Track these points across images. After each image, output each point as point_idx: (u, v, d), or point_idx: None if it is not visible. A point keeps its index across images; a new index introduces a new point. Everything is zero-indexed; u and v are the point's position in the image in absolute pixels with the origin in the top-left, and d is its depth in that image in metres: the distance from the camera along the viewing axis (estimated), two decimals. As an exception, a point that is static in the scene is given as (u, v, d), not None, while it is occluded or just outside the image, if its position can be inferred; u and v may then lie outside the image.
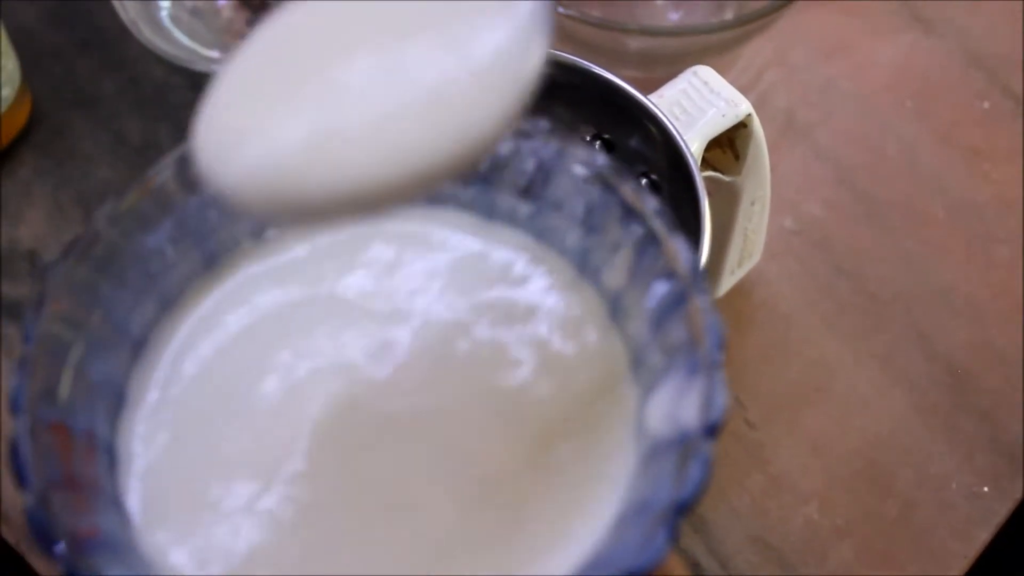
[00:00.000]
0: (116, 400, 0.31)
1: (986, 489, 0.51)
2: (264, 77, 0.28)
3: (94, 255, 0.31)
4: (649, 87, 0.46)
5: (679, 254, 0.30)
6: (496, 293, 0.34)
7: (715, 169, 0.49)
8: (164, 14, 0.61)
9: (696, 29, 0.59)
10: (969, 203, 0.59)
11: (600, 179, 0.32)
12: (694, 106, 0.46)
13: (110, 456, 0.31)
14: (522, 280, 0.34)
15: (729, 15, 0.64)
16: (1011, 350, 0.55)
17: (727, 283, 0.54)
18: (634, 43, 0.59)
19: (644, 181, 0.47)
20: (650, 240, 0.31)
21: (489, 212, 0.34)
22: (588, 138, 0.48)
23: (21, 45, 0.60)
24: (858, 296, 0.56)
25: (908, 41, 0.65)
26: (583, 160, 0.32)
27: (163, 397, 0.32)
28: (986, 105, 0.63)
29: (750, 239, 0.53)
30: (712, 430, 0.27)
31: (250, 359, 0.32)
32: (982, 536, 0.50)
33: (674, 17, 0.65)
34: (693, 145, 0.45)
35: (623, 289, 0.32)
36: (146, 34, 0.59)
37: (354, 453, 0.31)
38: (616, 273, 0.32)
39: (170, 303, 0.33)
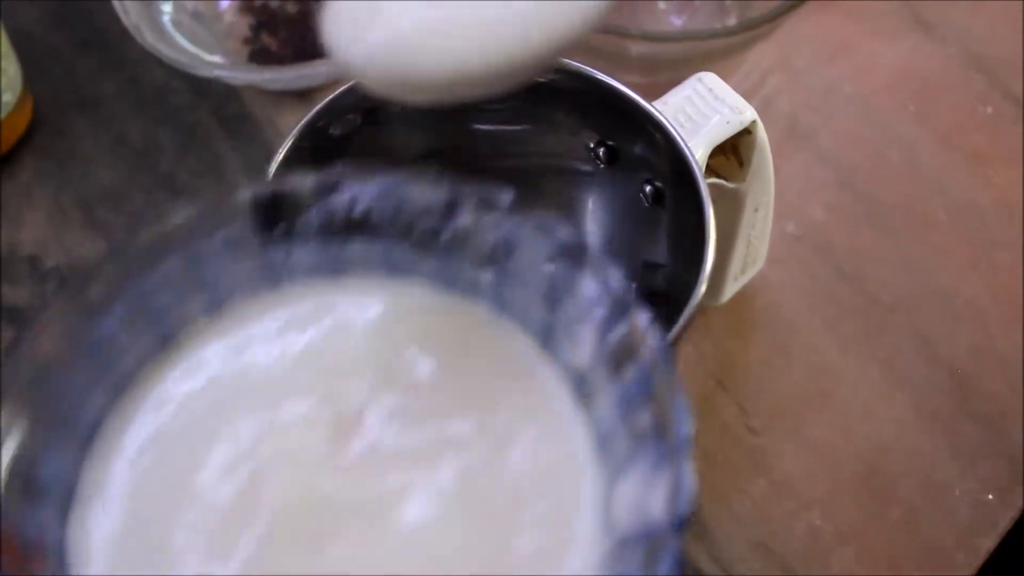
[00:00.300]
0: (66, 495, 0.30)
1: (990, 497, 0.51)
2: None
3: (41, 351, 0.29)
4: (651, 92, 0.46)
5: (646, 332, 0.29)
6: (454, 369, 0.33)
7: (719, 176, 0.49)
8: (166, 18, 0.61)
9: (699, 34, 0.59)
10: (970, 207, 0.59)
11: (564, 253, 0.31)
12: (698, 113, 0.46)
13: (60, 557, 0.29)
14: (481, 355, 0.33)
15: (732, 20, 0.64)
16: (1013, 354, 0.55)
17: (731, 290, 0.54)
18: (637, 48, 0.59)
19: (649, 188, 0.47)
20: (615, 317, 0.30)
21: (450, 283, 0.33)
22: (592, 144, 0.48)
23: (22, 47, 0.60)
24: (860, 301, 0.56)
25: (910, 44, 0.65)
26: (546, 233, 0.31)
27: (115, 488, 0.30)
28: (987, 109, 0.63)
29: (753, 245, 0.53)
30: (680, 524, 0.26)
31: (204, 444, 0.31)
32: (986, 544, 0.50)
33: (677, 22, 0.65)
34: (697, 152, 0.44)
35: (588, 368, 0.31)
36: (148, 38, 0.58)
37: (311, 542, 0.30)
38: (580, 351, 0.31)
39: (122, 388, 0.32)
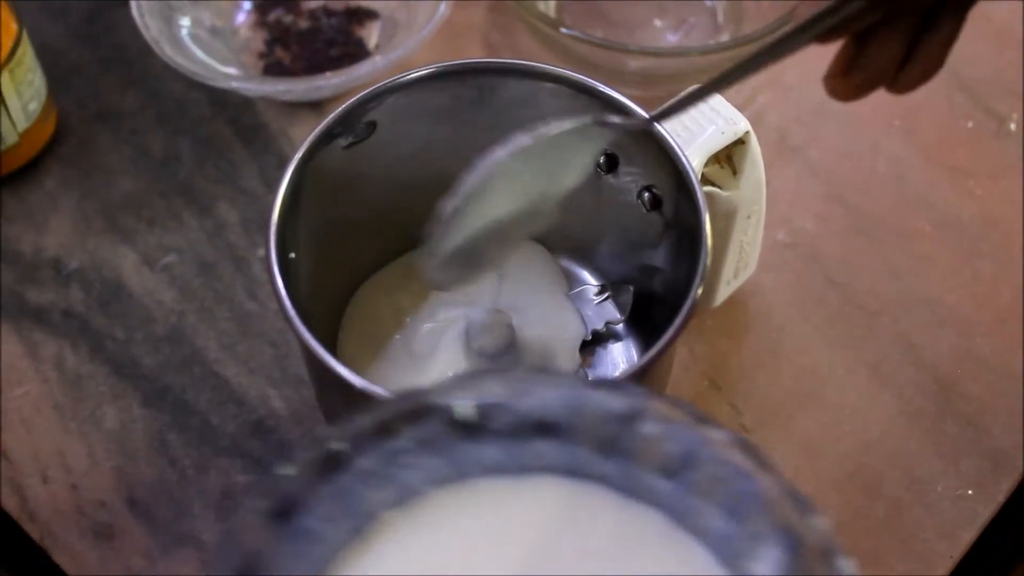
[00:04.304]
0: None
1: (970, 492, 0.53)
2: None
3: (247, 542, 0.31)
4: (649, 104, 0.48)
5: (828, 555, 0.29)
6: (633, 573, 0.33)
7: (714, 184, 0.51)
8: (184, 33, 0.63)
9: (694, 50, 0.61)
10: (954, 218, 0.61)
11: (745, 466, 0.31)
12: (695, 123, 0.48)
13: None
14: (655, 565, 0.33)
15: (725, 37, 0.67)
16: (994, 359, 0.57)
17: (723, 293, 0.56)
18: (634, 63, 0.61)
19: (647, 195, 0.49)
20: (796, 540, 0.30)
21: (629, 489, 0.34)
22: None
23: (47, 62, 0.63)
24: (848, 306, 0.58)
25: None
26: (728, 446, 0.32)
27: None
28: (970, 124, 0.65)
29: (745, 251, 0.55)
30: None
31: None
32: (966, 537, 0.52)
33: (672, 39, 0.67)
34: (694, 160, 0.46)
35: None
36: (167, 52, 0.61)
37: None
38: (760, 565, 0.31)
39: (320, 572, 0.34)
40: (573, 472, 0.34)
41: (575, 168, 0.44)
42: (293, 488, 0.32)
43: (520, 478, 0.35)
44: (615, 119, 0.44)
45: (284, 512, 0.32)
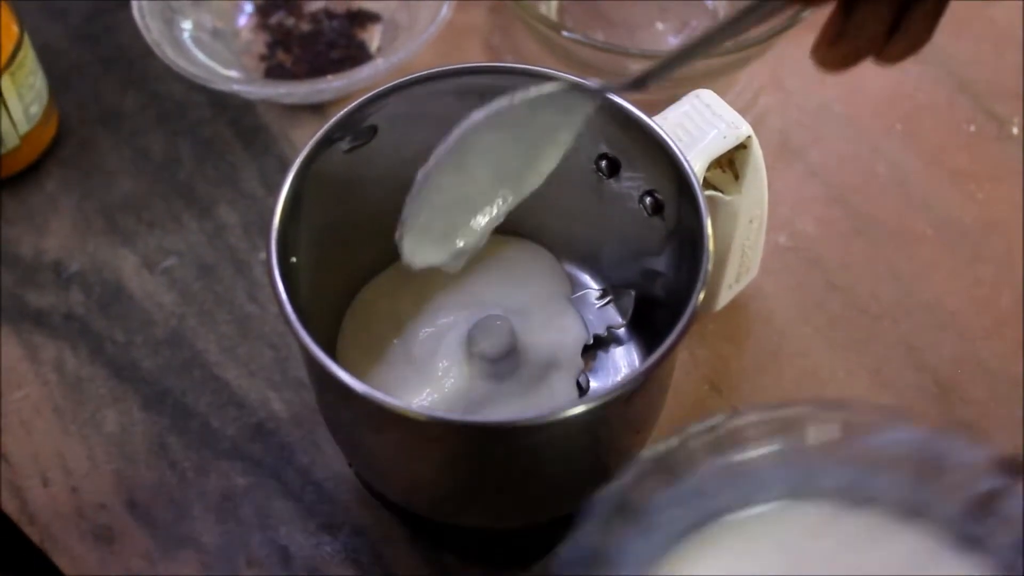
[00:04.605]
0: None
1: (971, 496, 0.53)
2: None
3: (591, 540, 0.34)
4: (650, 108, 0.48)
5: None
6: None
7: (716, 188, 0.51)
8: (186, 35, 0.64)
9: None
10: (955, 222, 0.61)
11: None
12: (696, 128, 0.48)
13: None
14: None
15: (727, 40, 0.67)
16: (995, 363, 0.57)
17: (725, 297, 0.56)
18: (635, 66, 0.61)
19: (649, 199, 0.49)
20: None
21: (964, 537, 0.35)
22: (595, 156, 0.50)
23: (48, 64, 0.63)
24: (849, 310, 0.58)
25: (897, 67, 0.66)
26: None
27: None
28: (972, 128, 0.65)
29: (747, 255, 0.55)
30: None
31: None
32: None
33: (673, 41, 0.67)
34: (696, 165, 0.46)
35: None
36: (168, 54, 0.61)
37: None
38: None
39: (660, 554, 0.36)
40: (908, 509, 0.36)
41: (555, 144, 0.44)
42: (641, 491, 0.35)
43: (853, 509, 0.36)
44: (594, 84, 0.44)
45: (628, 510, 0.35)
